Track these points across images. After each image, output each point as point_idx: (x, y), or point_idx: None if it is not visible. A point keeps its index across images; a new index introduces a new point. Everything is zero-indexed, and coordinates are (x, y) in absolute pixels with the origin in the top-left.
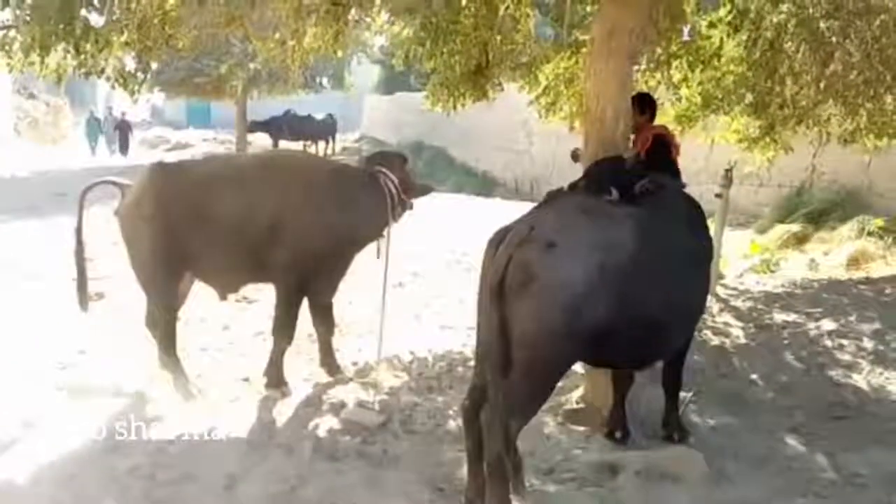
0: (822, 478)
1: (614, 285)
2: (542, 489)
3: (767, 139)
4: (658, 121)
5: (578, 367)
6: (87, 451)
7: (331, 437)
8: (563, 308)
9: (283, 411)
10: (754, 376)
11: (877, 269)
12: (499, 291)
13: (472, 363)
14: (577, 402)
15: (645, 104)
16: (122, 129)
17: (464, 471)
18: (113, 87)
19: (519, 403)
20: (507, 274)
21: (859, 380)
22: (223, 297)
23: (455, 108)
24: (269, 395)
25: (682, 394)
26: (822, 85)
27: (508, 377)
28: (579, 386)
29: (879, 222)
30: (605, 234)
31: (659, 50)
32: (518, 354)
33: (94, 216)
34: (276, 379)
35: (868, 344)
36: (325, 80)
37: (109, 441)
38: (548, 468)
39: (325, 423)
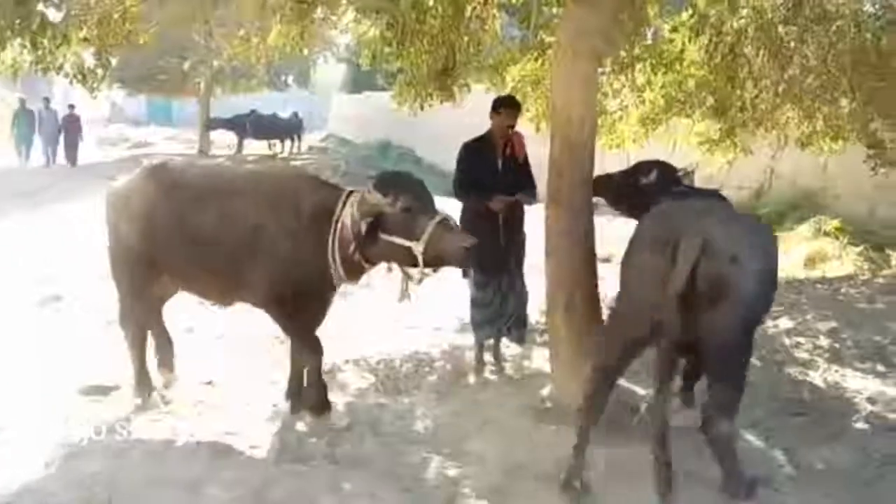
0: (781, 473)
1: (769, 289)
2: (509, 487)
3: (728, 141)
4: (623, 123)
5: (546, 368)
6: (47, 456)
7: (297, 439)
8: (748, 317)
9: (248, 414)
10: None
11: (832, 269)
12: (686, 301)
13: (438, 364)
14: (545, 402)
15: (519, 106)
16: (70, 129)
17: (430, 471)
18: (71, 84)
19: (726, 405)
20: (695, 285)
21: (816, 377)
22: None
23: (422, 108)
24: (313, 421)
25: (646, 391)
26: (780, 89)
27: (711, 384)
28: (547, 385)
29: (835, 223)
30: (764, 242)
31: (623, 53)
32: (713, 360)
33: (50, 215)
34: (319, 404)
35: (824, 342)
36: (290, 79)
37: (70, 446)
38: (514, 467)
39: (291, 426)
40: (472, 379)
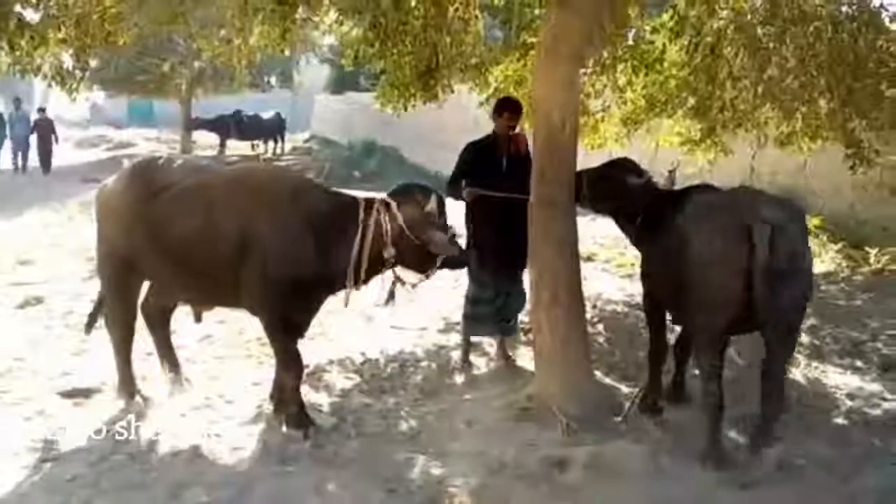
0: (762, 467)
1: None
2: (493, 486)
3: (709, 141)
4: (605, 123)
5: (530, 366)
6: (27, 461)
7: (280, 440)
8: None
9: (232, 415)
10: (697, 371)
11: (812, 267)
12: (768, 276)
13: (424, 363)
14: (528, 400)
15: (520, 108)
16: (43, 132)
17: (414, 471)
18: (50, 86)
19: (789, 363)
20: (772, 260)
21: (797, 373)
22: (198, 319)
23: (406, 108)
24: (291, 434)
25: (629, 389)
26: (759, 89)
27: (781, 350)
28: (529, 384)
29: (815, 221)
30: (804, 220)
31: (604, 54)
32: (783, 322)
33: (29, 218)
34: (295, 417)
35: (804, 338)
36: (273, 80)
37: (51, 449)
38: (498, 465)
39: (274, 427)
40: (457, 378)
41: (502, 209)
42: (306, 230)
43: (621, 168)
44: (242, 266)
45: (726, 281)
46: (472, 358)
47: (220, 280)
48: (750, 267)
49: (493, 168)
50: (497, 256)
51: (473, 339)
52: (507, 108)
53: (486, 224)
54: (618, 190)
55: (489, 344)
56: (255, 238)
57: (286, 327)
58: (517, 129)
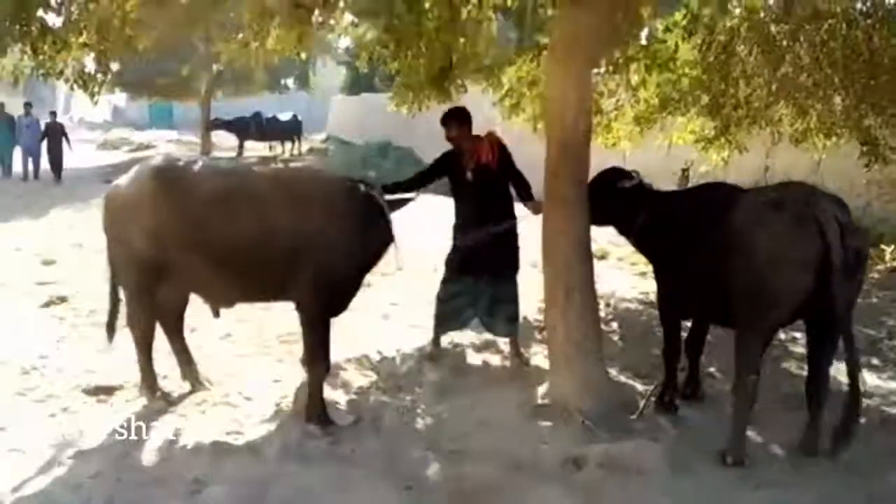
0: (777, 468)
1: None
2: (508, 484)
3: (722, 139)
4: (618, 122)
5: (545, 364)
6: (50, 457)
7: (299, 437)
8: None
9: (251, 413)
10: (712, 370)
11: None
12: (844, 272)
13: (439, 361)
14: (543, 398)
15: (463, 117)
16: (53, 137)
17: (431, 468)
18: (72, 89)
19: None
20: (845, 257)
21: None
22: (216, 314)
23: (420, 109)
24: (311, 429)
25: (643, 387)
26: (773, 87)
27: (834, 339)
28: (545, 382)
29: None
30: None
31: (617, 53)
32: (848, 319)
33: (53, 219)
34: (317, 413)
35: None
36: (290, 82)
37: (73, 446)
38: (513, 463)
39: (294, 424)
40: (472, 377)
41: (475, 215)
42: (356, 222)
43: (612, 177)
44: (300, 266)
45: (796, 278)
46: (487, 357)
47: (270, 279)
48: (822, 265)
49: (460, 177)
50: (468, 257)
51: (489, 337)
52: (443, 122)
53: (461, 228)
54: (614, 198)
55: (504, 343)
56: (313, 239)
57: (328, 318)
58: (464, 136)
